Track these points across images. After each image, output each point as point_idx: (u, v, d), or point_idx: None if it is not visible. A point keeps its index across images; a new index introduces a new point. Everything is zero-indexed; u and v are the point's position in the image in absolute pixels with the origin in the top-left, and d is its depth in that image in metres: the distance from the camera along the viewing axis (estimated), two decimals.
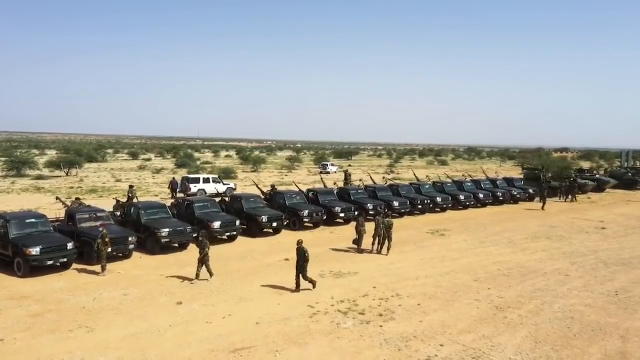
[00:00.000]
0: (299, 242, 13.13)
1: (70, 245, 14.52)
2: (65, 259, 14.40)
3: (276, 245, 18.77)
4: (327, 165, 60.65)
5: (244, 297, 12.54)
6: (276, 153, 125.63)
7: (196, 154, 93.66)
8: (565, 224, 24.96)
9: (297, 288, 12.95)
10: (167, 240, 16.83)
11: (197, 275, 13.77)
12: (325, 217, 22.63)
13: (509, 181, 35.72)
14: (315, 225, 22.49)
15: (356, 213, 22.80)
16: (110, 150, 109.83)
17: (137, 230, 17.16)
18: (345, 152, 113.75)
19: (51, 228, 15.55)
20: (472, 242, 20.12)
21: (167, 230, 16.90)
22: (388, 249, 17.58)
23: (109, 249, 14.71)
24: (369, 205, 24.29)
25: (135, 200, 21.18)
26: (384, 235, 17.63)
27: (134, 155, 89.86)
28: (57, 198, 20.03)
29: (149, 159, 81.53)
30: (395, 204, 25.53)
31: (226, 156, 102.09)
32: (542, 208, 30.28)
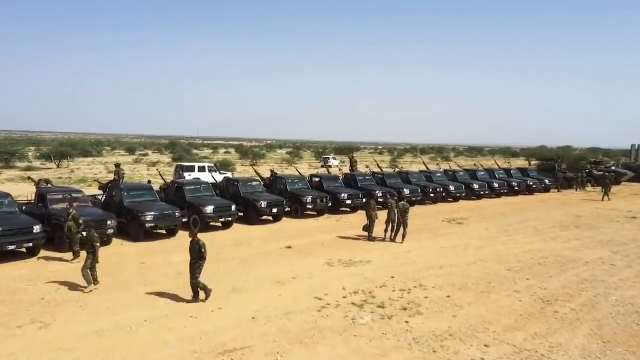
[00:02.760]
0: (194, 235, 9.61)
1: (37, 229, 12.45)
2: (31, 244, 12.37)
3: (277, 233, 16.75)
4: (328, 158, 58.66)
5: (238, 287, 10.49)
6: (276, 151, 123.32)
7: (195, 151, 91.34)
8: (590, 214, 22.92)
9: (195, 297, 9.51)
10: (153, 225, 14.81)
11: (94, 278, 10.13)
12: (330, 205, 20.60)
13: (523, 171, 33.84)
14: (320, 213, 20.44)
15: (364, 200, 20.75)
16: (108, 148, 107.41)
17: (119, 214, 15.09)
18: (347, 148, 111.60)
19: (17, 209, 13.49)
20: (494, 230, 18.07)
21: (152, 214, 14.84)
22: (403, 236, 15.54)
23: (83, 234, 12.68)
24: (378, 192, 22.21)
25: (122, 180, 19.09)
26: (398, 222, 15.61)
27: (131, 151, 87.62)
28: (29, 178, 18.00)
29: (145, 154, 79.42)
30: (406, 192, 23.45)
31: (225, 152, 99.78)
32: (608, 198, 28.13)
